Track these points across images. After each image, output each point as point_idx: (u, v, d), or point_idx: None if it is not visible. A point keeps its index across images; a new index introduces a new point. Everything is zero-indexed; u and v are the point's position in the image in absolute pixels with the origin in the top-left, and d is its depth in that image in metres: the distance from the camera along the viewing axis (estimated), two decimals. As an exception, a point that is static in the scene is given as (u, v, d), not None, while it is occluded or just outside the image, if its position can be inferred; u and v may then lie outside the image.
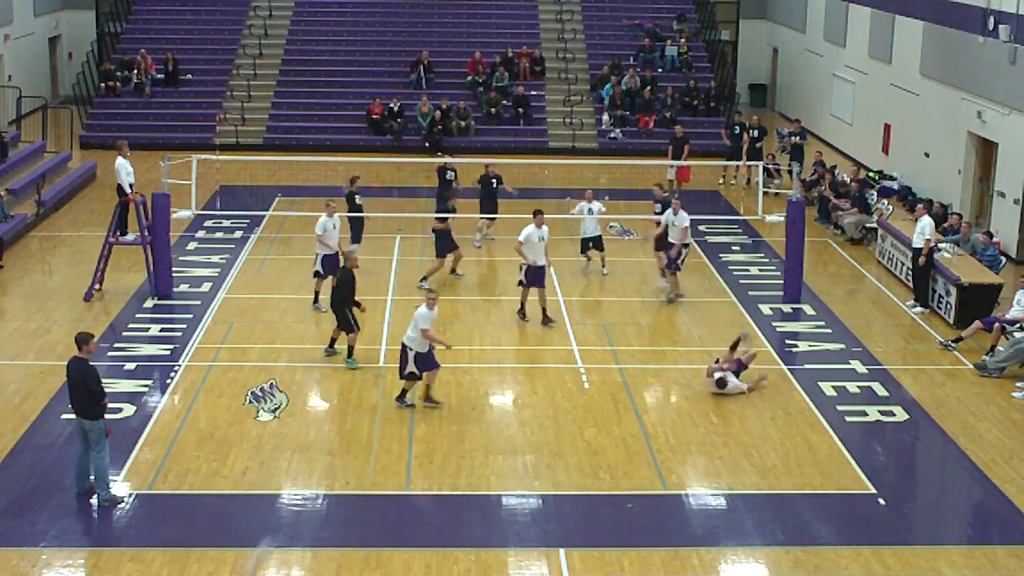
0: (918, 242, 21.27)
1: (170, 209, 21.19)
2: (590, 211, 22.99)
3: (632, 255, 23.48)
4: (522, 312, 20.36)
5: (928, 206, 23.26)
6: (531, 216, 20.37)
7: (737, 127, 30.83)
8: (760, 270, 23.83)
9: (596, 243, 23.12)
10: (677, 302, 21.37)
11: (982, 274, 21.06)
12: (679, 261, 21.45)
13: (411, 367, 16.56)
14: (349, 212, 22.64)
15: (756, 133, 30.51)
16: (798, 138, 30.45)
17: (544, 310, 20.20)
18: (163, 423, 16.22)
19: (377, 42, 38.62)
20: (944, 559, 13.17)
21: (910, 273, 22.12)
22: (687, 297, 21.72)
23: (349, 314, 18.16)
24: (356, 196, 22.95)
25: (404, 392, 16.88)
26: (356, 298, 18.21)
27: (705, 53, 38.98)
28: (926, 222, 21.23)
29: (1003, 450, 15.94)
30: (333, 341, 18.60)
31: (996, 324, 19.24)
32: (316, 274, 20.74)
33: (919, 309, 21.25)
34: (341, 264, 19.20)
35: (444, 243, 21.94)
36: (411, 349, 16.47)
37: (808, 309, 21.50)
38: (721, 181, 30.74)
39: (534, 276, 20.09)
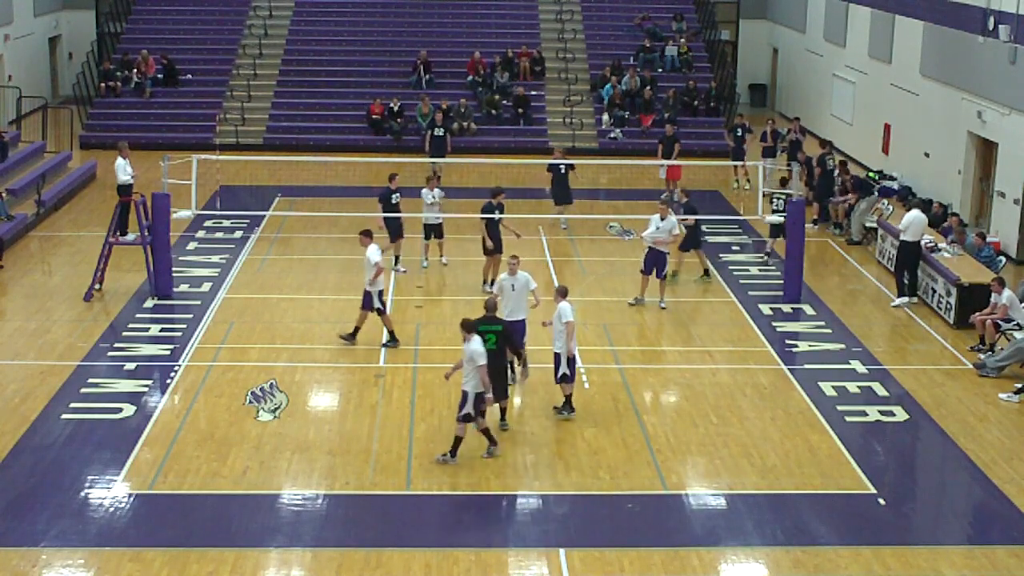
0: (908, 235, 21.44)
1: (170, 209, 21.20)
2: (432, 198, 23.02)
3: (633, 255, 23.45)
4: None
5: (925, 206, 23.30)
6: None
7: (739, 129, 30.74)
8: (760, 270, 23.82)
9: (437, 231, 23.21)
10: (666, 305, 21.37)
11: (981, 274, 21.05)
12: (665, 271, 21.29)
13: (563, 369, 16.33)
14: (385, 212, 22.64)
15: (740, 132, 30.54)
16: (797, 136, 30.40)
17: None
18: (163, 423, 16.22)
19: (377, 42, 38.62)
20: (944, 559, 13.18)
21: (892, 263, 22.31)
22: (687, 297, 21.71)
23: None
24: (394, 195, 22.86)
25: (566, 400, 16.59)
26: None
27: (705, 53, 38.98)
28: (912, 215, 21.51)
29: (1003, 450, 15.95)
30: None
31: (988, 322, 19.18)
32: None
33: (902, 300, 21.27)
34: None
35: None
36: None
37: (808, 309, 21.50)
38: (735, 186, 30.69)
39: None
